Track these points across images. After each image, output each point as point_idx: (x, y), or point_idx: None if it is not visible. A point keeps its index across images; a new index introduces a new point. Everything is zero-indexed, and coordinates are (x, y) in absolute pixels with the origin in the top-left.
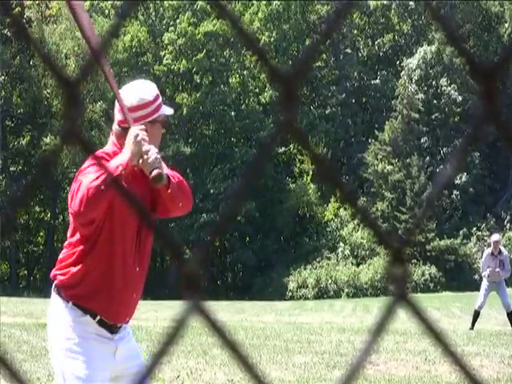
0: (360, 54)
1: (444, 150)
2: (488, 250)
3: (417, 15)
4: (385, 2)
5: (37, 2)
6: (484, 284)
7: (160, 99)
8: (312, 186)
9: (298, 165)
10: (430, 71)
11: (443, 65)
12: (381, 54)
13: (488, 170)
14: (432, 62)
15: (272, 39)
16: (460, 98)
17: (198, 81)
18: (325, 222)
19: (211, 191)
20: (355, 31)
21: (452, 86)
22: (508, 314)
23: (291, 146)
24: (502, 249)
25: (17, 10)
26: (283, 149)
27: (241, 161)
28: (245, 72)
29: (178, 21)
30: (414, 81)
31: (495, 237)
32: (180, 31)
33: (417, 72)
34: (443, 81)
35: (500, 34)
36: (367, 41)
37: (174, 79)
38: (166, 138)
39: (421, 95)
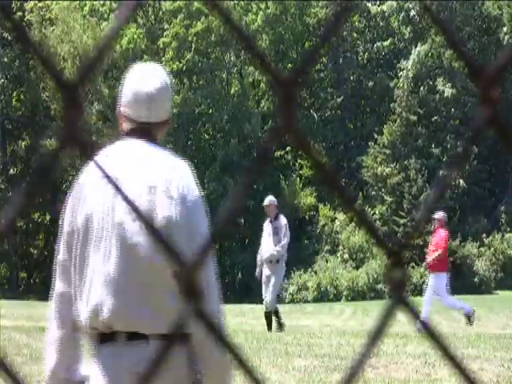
0: (359, 57)
1: (443, 152)
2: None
3: (417, 19)
4: (385, 8)
5: (38, 5)
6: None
7: None
8: (310, 188)
9: (297, 168)
10: (430, 73)
11: (442, 67)
12: (380, 57)
13: (487, 174)
14: (433, 65)
15: (270, 43)
16: (460, 101)
17: (195, 82)
18: (323, 225)
19: (208, 194)
20: (354, 34)
21: (452, 88)
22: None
23: (288, 148)
24: (281, 216)
25: (18, 14)
26: (281, 152)
27: (236, 162)
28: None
29: (171, 24)
30: (412, 83)
31: (269, 200)
32: (174, 33)
33: (415, 73)
34: (443, 84)
35: (499, 38)
36: (366, 44)
37: (174, 81)
38: (162, 141)
39: (420, 97)
